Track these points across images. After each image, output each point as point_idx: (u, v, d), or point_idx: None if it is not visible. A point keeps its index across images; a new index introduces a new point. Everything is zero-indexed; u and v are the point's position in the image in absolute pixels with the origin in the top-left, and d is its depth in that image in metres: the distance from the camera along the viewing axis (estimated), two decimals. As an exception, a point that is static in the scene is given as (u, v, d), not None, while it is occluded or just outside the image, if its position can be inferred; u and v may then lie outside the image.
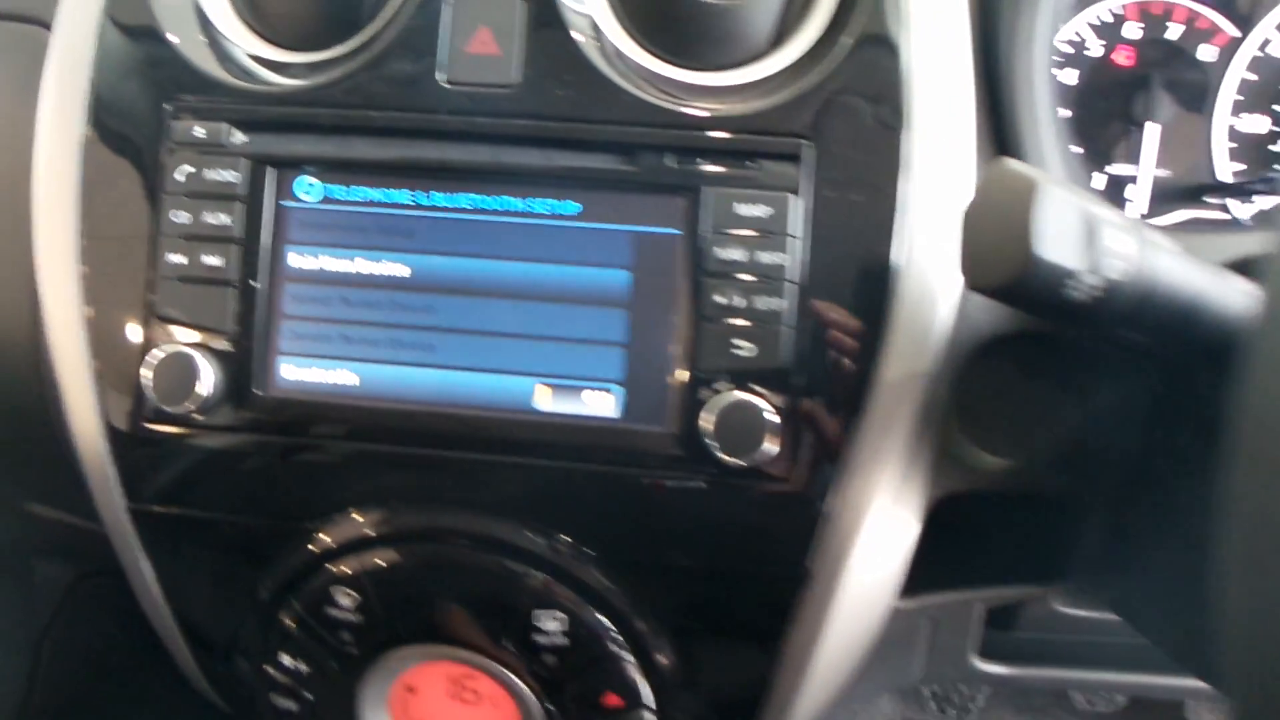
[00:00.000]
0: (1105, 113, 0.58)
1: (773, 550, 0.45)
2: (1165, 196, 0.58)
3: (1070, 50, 0.56)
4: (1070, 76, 0.57)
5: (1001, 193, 0.32)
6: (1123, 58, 0.58)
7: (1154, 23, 0.57)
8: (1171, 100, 0.57)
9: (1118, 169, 0.58)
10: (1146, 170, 0.58)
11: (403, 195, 0.45)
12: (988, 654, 0.68)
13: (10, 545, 0.69)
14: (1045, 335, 0.48)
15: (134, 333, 0.46)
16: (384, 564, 0.46)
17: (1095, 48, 0.57)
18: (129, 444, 0.47)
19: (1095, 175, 0.57)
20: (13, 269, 0.51)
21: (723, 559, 0.45)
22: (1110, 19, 0.58)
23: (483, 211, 0.45)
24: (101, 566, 0.54)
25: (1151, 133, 0.57)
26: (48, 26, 0.49)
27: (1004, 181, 0.32)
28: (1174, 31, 0.57)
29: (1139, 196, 0.59)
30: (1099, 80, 0.58)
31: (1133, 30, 0.57)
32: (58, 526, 0.61)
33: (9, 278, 0.51)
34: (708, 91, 0.45)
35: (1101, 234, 0.32)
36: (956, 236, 0.44)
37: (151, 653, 0.55)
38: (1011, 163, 0.33)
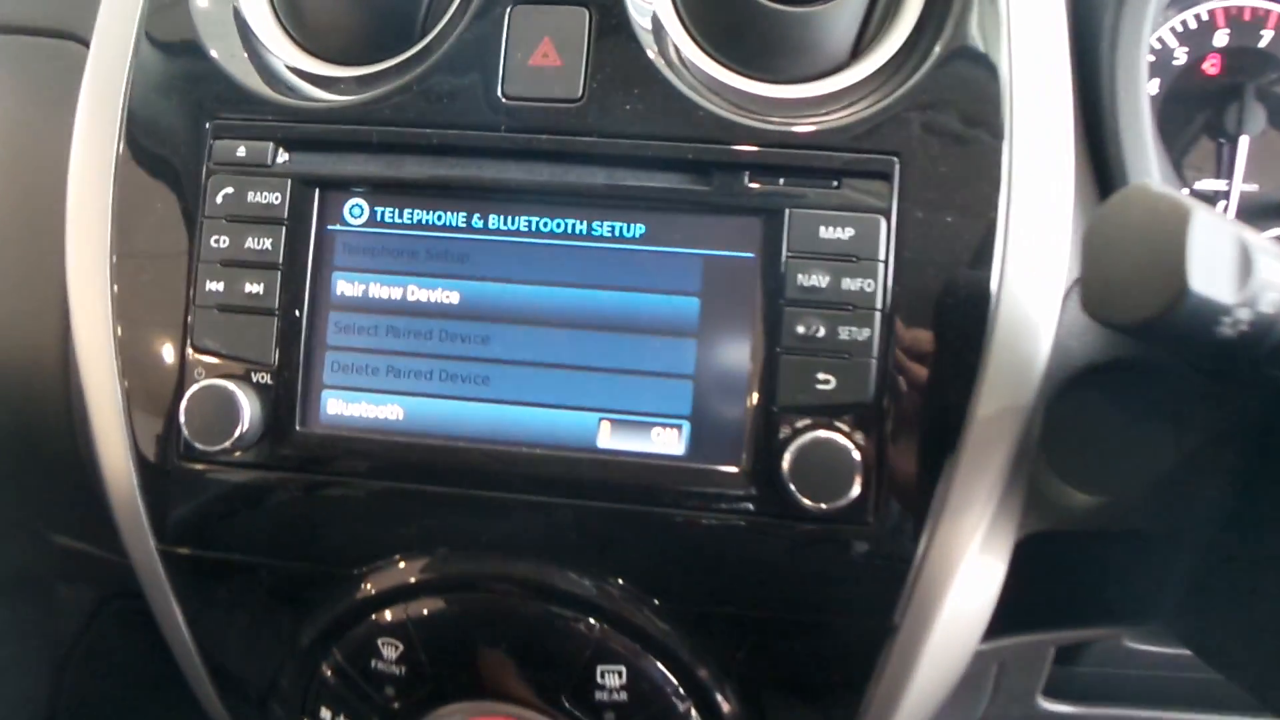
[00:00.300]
0: (1189, 124, 0.55)
1: (856, 602, 0.41)
2: (1253, 212, 0.55)
3: (1151, 58, 0.53)
4: (1152, 86, 0.53)
5: (1145, 218, 0.29)
6: (1210, 66, 0.54)
7: (1244, 29, 0.54)
8: (1265, 111, 0.53)
9: (1207, 184, 0.54)
10: (1237, 185, 0.54)
11: (456, 218, 0.43)
12: (1053, 692, 0.64)
13: (33, 569, 0.68)
14: (1139, 364, 0.45)
15: (169, 364, 0.43)
16: (433, 614, 0.43)
17: (1180, 55, 0.54)
18: (161, 482, 0.44)
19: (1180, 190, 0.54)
20: (44, 294, 0.48)
21: (800, 611, 0.42)
22: (1196, 25, 0.54)
23: (542, 234, 0.42)
24: (125, 590, 0.52)
25: (1243, 145, 0.54)
26: (84, 42, 0.47)
27: (1148, 206, 0.29)
28: (1267, 39, 0.54)
29: (1229, 213, 0.55)
30: (1184, 89, 0.55)
31: (1221, 37, 0.54)
32: (82, 554, 0.59)
33: (40, 301, 0.49)
34: (785, 105, 0.42)
35: (1258, 265, 0.28)
36: (1057, 260, 0.41)
37: (176, 678, 0.53)
38: (1153, 185, 0.30)
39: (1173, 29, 0.54)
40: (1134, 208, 0.29)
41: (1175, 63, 0.54)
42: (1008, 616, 0.49)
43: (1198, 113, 0.54)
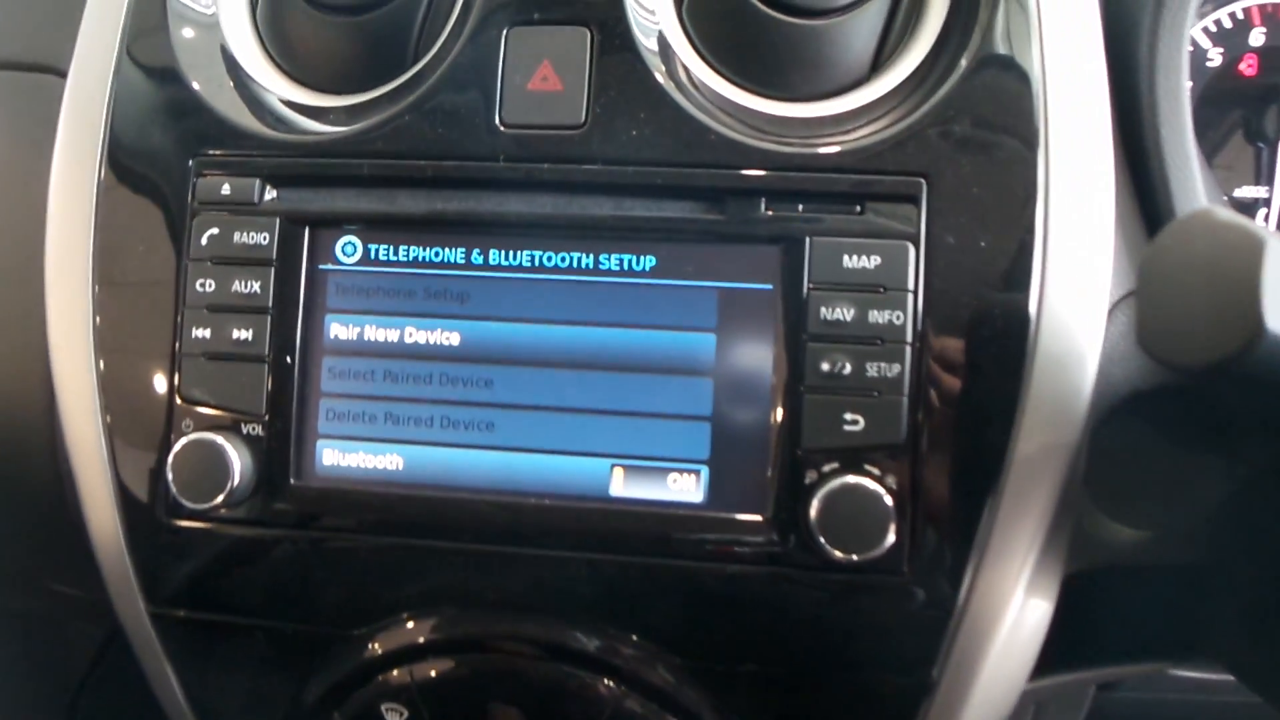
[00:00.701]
0: (1225, 128, 0.52)
1: (892, 658, 0.38)
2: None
3: (1184, 60, 0.50)
4: (1185, 89, 0.51)
5: (1211, 250, 0.26)
6: (1246, 67, 0.51)
7: (1283, 28, 0.51)
8: None
9: (1246, 191, 0.51)
10: (1278, 192, 0.52)
11: (455, 254, 0.40)
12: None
13: (39, 612, 0.66)
14: (1187, 390, 0.42)
15: (154, 417, 0.41)
16: (439, 676, 0.40)
17: (1214, 56, 0.51)
18: (149, 541, 0.42)
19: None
20: (25, 345, 0.46)
21: (830, 668, 0.39)
22: (1231, 24, 0.51)
23: (546, 270, 0.40)
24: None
25: (1286, 150, 0.51)
26: (62, 75, 0.45)
27: (1213, 236, 0.26)
28: (1308, 38, 0.51)
29: (1270, 223, 0.52)
30: (1219, 92, 0.52)
31: (1257, 36, 0.51)
32: (85, 600, 0.57)
33: (21, 355, 0.46)
34: (802, 125, 0.39)
35: (1341, 298, 0.26)
36: (1099, 281, 0.38)
37: None
38: (1217, 211, 0.27)
39: (1206, 29, 0.51)
40: (1197, 238, 0.26)
41: (1209, 64, 0.51)
42: (1049, 656, 0.46)
43: (1233, 116, 0.51)
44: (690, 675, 0.40)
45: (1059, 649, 0.46)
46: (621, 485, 0.39)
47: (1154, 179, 0.42)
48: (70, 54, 0.45)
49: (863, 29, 0.40)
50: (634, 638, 0.40)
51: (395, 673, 0.40)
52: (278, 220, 0.40)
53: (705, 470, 0.39)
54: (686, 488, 0.39)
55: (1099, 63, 0.39)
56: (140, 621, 0.43)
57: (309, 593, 0.41)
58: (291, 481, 0.40)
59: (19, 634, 0.67)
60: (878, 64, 0.41)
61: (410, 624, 0.40)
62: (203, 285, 0.40)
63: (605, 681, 0.39)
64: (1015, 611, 0.38)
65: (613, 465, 0.39)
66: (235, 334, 0.40)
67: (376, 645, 0.41)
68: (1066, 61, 0.38)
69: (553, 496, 0.39)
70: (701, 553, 0.39)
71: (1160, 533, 0.43)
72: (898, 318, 0.37)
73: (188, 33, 0.43)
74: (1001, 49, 0.38)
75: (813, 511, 0.36)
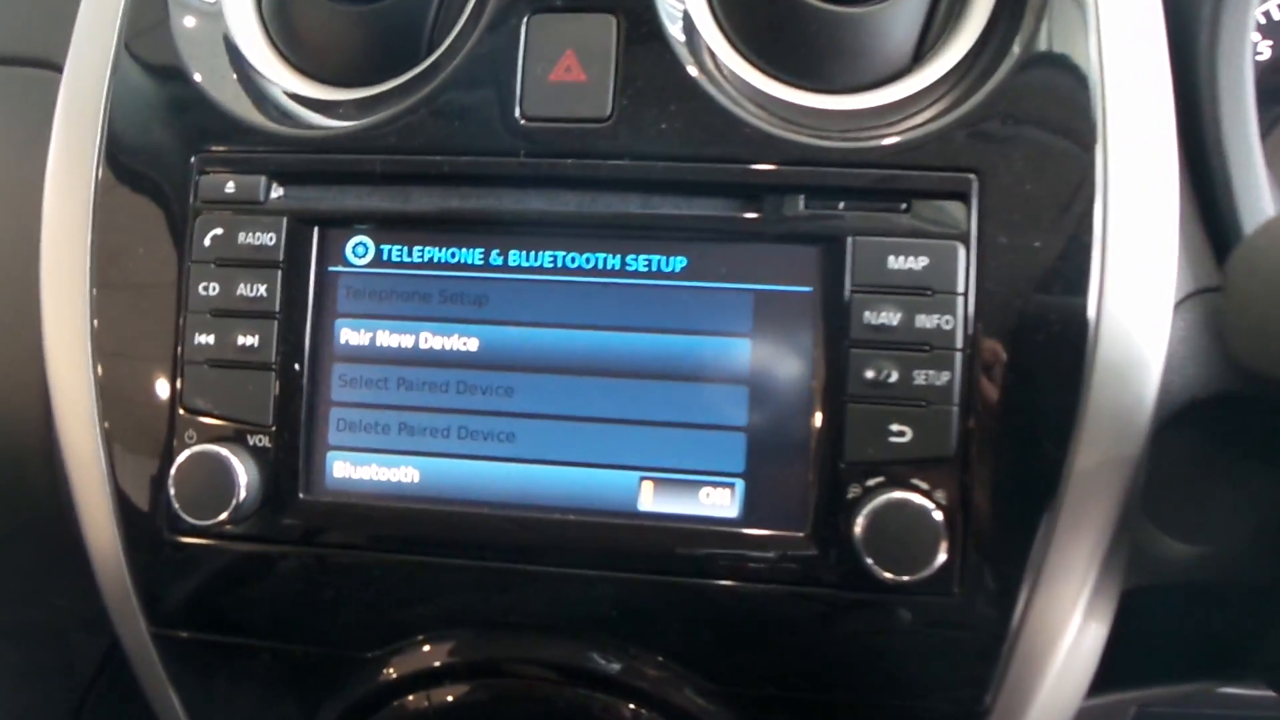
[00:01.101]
0: (1265, 121, 0.49)
1: (941, 685, 0.36)
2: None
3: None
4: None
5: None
6: (1297, 59, 0.49)
7: (1337, 17, 0.49)
8: None
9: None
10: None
11: (473, 255, 0.38)
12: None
13: (41, 623, 0.65)
14: (1247, 398, 0.39)
15: (155, 428, 0.39)
16: (457, 702, 0.38)
17: (1264, 50, 0.49)
18: (151, 559, 0.39)
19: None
20: (20, 350, 0.44)
21: (875, 695, 0.37)
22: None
23: (569, 271, 0.37)
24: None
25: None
26: (56, 69, 0.43)
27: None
28: (1364, 26, 0.48)
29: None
30: (1269, 87, 0.49)
31: (1311, 27, 0.49)
32: (85, 613, 0.55)
33: (16, 361, 0.44)
34: (841, 118, 0.37)
35: None
36: (1163, 284, 0.35)
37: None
38: None
39: (1255, 21, 0.49)
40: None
41: (1259, 57, 0.49)
42: (1098, 675, 0.44)
43: (1277, 110, 0.49)
44: (723, 701, 0.37)
45: (1108, 667, 0.44)
46: (650, 499, 0.37)
47: (1215, 176, 0.39)
48: (65, 47, 0.43)
49: (905, 17, 0.38)
50: (665, 662, 0.37)
51: (412, 698, 0.38)
52: (285, 219, 0.38)
53: (740, 484, 0.37)
54: (720, 502, 0.37)
55: (1159, 52, 0.37)
56: (141, 641, 0.41)
57: (319, 613, 0.39)
58: (300, 496, 0.38)
59: (22, 644, 0.66)
60: (919, 54, 0.39)
61: (427, 646, 0.38)
62: (206, 289, 0.38)
63: (633, 708, 0.37)
64: (1073, 634, 0.36)
65: (641, 478, 0.37)
66: (240, 340, 0.38)
67: (392, 669, 0.38)
68: (1125, 50, 0.36)
69: (577, 511, 0.37)
70: (736, 571, 0.36)
71: (1217, 549, 0.41)
72: (947, 322, 0.35)
73: (189, 23, 0.41)
74: (1056, 37, 0.36)
75: (858, 529, 0.34)
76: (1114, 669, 0.45)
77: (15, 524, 0.49)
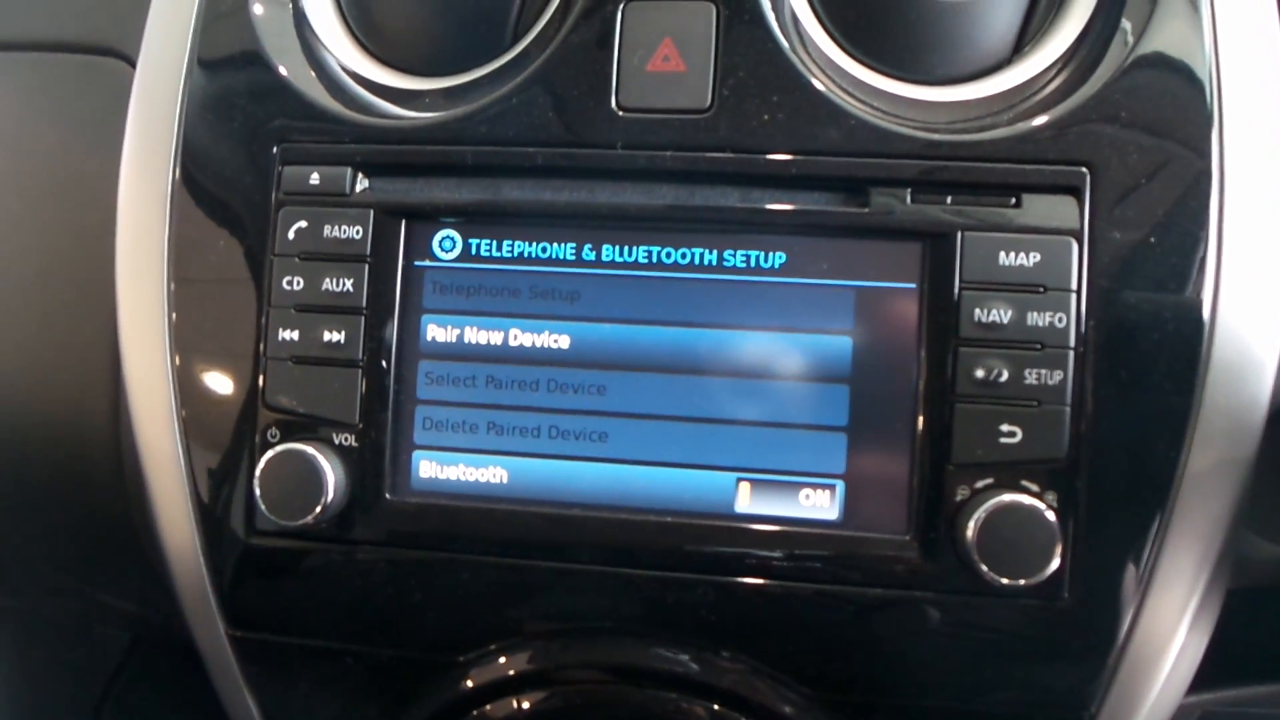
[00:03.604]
0: None
1: (1047, 692, 0.35)
2: None
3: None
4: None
5: None
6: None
7: None
8: None
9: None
10: None
11: (565, 249, 0.37)
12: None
13: (72, 618, 0.64)
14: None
15: (236, 426, 0.38)
16: (551, 710, 0.37)
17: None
18: (232, 560, 0.38)
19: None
20: (88, 344, 0.43)
21: (979, 702, 0.36)
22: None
23: (664, 267, 0.36)
24: (159, 637, 0.48)
25: None
26: (129, 59, 0.42)
27: None
28: None
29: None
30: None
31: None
32: (130, 611, 0.54)
33: (84, 355, 0.43)
34: (946, 109, 0.36)
35: None
36: (1275, 287, 0.34)
37: (211, 713, 0.48)
38: None
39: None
40: None
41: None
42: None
43: None
44: (825, 709, 0.36)
45: (1204, 667, 0.43)
46: (748, 501, 0.36)
47: None
48: (134, 35, 0.42)
49: (1008, 5, 0.37)
50: (764, 668, 0.36)
51: (500, 704, 0.37)
52: (371, 212, 0.37)
53: (841, 485, 0.36)
54: (820, 504, 0.36)
55: (1275, 46, 0.36)
56: (218, 644, 0.40)
57: (405, 616, 0.38)
58: (386, 496, 0.37)
59: (46, 639, 0.65)
60: (1020, 45, 0.38)
61: (518, 651, 0.37)
62: (290, 283, 0.37)
63: (733, 716, 0.36)
64: (1181, 639, 0.35)
65: (739, 479, 0.36)
66: (326, 336, 0.37)
67: (481, 674, 0.38)
68: (1240, 44, 0.35)
69: (673, 513, 0.36)
70: (837, 575, 0.35)
71: None
72: (1060, 320, 0.34)
73: (267, 12, 0.40)
74: (1169, 27, 0.35)
75: (969, 532, 0.33)
76: (1209, 668, 0.44)
77: (75, 517, 0.48)
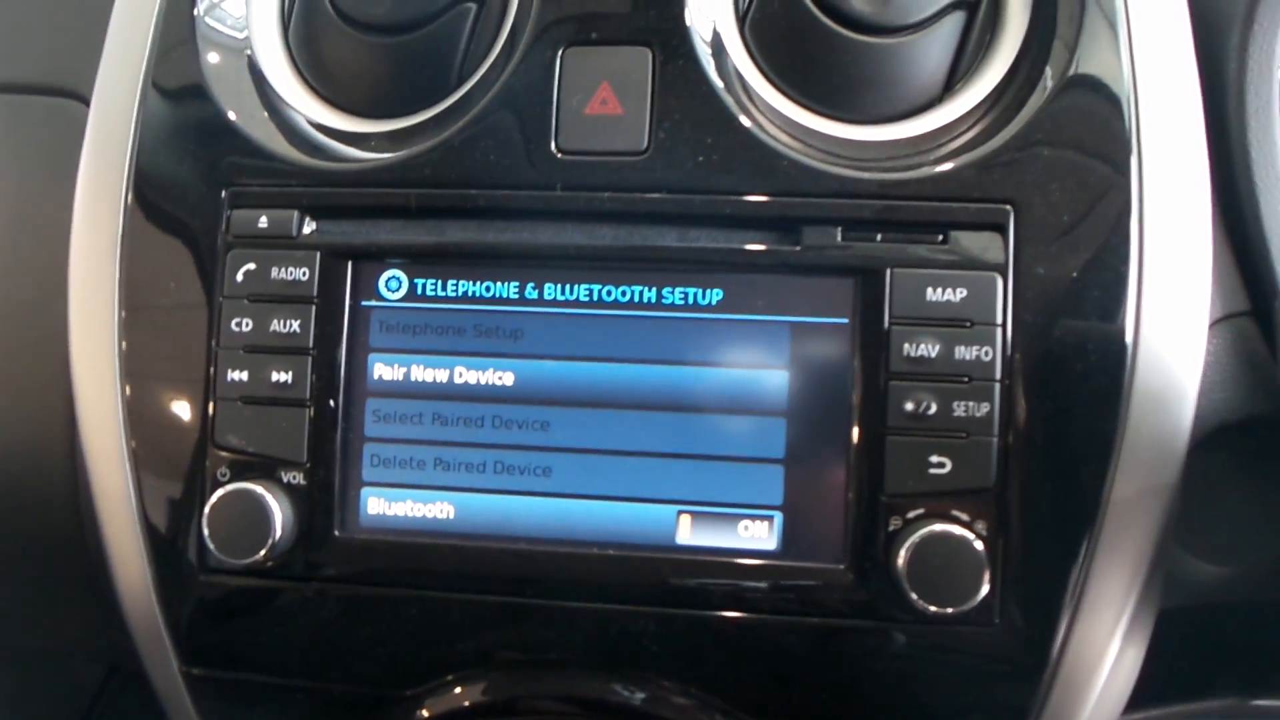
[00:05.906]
0: None
1: (982, 715, 0.36)
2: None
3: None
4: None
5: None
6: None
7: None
8: None
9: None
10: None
11: (508, 288, 0.38)
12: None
13: (44, 648, 0.64)
14: (1276, 421, 0.39)
15: (186, 465, 0.38)
16: (498, 740, 0.38)
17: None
18: (183, 597, 0.39)
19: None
20: (45, 377, 0.43)
21: (916, 726, 0.37)
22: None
23: (605, 305, 0.37)
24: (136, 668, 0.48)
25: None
26: (85, 100, 0.43)
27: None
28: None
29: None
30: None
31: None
32: (96, 643, 0.55)
33: (41, 386, 0.44)
34: (876, 149, 0.37)
35: None
36: (1198, 310, 0.35)
37: None
38: None
39: None
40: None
41: None
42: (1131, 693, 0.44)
43: None
44: (764, 735, 0.37)
45: (1142, 685, 0.44)
46: (689, 533, 0.37)
47: (1243, 199, 0.39)
48: (91, 78, 0.43)
49: (937, 46, 0.38)
50: (702, 696, 0.37)
51: (451, 734, 0.38)
52: (318, 254, 0.38)
53: (778, 516, 0.36)
54: (759, 535, 0.37)
55: (1191, 79, 0.37)
56: (171, 680, 0.40)
57: (355, 651, 0.39)
58: (335, 533, 0.38)
59: (23, 668, 0.65)
60: (951, 83, 0.39)
61: (466, 684, 0.38)
62: (239, 325, 0.38)
63: (673, 743, 0.37)
64: (1112, 659, 0.36)
65: (679, 512, 0.37)
66: (274, 376, 0.38)
67: (431, 707, 0.38)
68: (1157, 78, 0.36)
69: (615, 546, 0.37)
70: (776, 605, 0.36)
71: (1247, 569, 0.41)
72: (986, 353, 0.35)
73: (217, 56, 0.41)
74: (1089, 66, 0.36)
75: (900, 561, 0.34)
76: (1148, 686, 0.45)
77: (29, 544, 0.48)
